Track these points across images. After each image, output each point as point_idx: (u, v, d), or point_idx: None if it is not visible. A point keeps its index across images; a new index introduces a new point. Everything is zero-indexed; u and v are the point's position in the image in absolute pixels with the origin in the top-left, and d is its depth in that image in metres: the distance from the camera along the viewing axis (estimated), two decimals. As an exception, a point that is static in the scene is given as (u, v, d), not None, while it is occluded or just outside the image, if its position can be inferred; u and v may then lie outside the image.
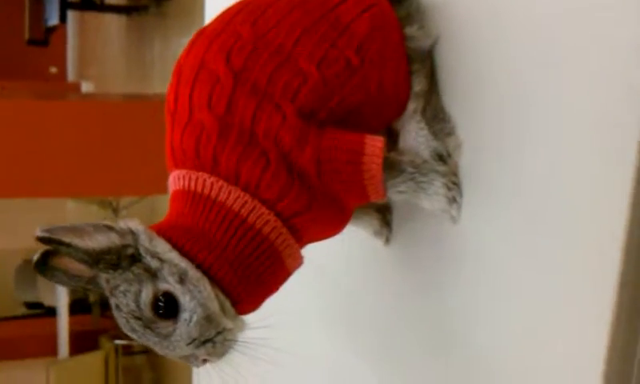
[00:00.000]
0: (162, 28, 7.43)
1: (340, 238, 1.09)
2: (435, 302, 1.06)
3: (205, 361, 0.92)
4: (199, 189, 0.93)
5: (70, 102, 4.99)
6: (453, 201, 1.00)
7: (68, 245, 0.86)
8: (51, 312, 7.27)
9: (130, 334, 0.91)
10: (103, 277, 0.90)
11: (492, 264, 0.95)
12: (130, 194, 6.04)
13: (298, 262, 0.99)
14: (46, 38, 7.90)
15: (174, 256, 0.89)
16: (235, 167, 0.91)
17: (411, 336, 1.13)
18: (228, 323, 0.91)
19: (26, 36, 7.92)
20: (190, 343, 0.89)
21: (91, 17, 9.07)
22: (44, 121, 4.39)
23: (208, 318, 0.88)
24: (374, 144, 0.93)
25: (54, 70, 11.07)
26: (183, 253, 0.90)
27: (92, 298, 6.66)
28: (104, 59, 9.45)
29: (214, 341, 0.90)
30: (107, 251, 0.88)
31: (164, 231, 0.91)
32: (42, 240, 0.86)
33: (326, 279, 1.33)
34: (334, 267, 1.31)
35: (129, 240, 0.89)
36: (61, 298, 6.94)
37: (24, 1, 8.13)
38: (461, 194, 0.99)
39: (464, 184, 0.99)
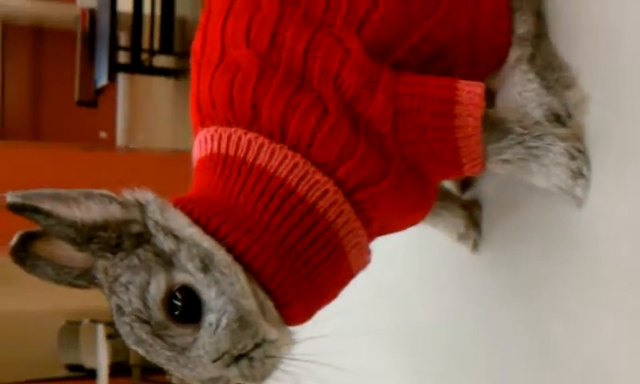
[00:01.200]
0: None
1: (410, 243, 0.85)
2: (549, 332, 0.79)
3: None
4: (232, 150, 0.72)
5: (118, 154, 4.94)
6: (578, 175, 0.74)
7: (47, 213, 0.65)
8: (92, 374, 7.14)
9: (135, 346, 0.68)
10: (100, 266, 0.69)
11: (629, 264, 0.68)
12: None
13: (365, 257, 0.75)
14: (95, 100, 7.98)
15: (194, 233, 0.67)
16: (281, 118, 0.70)
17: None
18: (271, 332, 0.68)
19: (76, 97, 8.03)
20: (217, 359, 0.66)
21: (140, 79, 9.16)
22: (93, 172, 4.31)
23: (242, 322, 0.66)
24: (472, 90, 0.70)
25: (103, 135, 11.21)
26: (208, 232, 0.68)
27: (132, 359, 6.49)
28: (152, 122, 9.51)
29: (250, 356, 0.66)
30: (103, 226, 0.67)
31: (182, 204, 0.69)
32: (12, 207, 0.65)
33: (395, 292, 1.07)
34: (401, 279, 1.05)
35: (135, 214, 0.69)
36: (101, 360, 6.79)
37: (74, 62, 8.25)
38: (589, 165, 0.74)
39: (591, 153, 0.74)
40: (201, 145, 0.76)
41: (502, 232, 0.89)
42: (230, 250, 0.67)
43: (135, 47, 6.73)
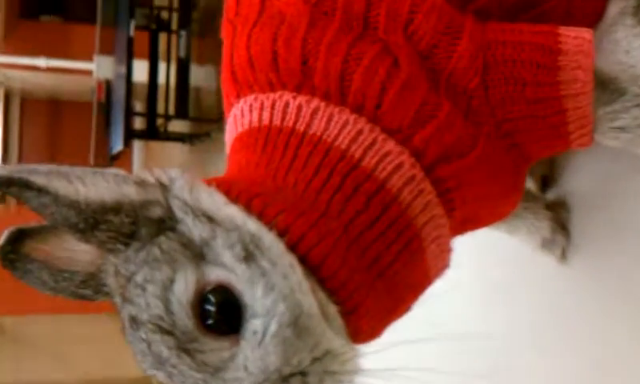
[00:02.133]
0: (223, 153, 7.45)
1: (483, 255, 0.70)
2: None
3: None
4: (277, 120, 0.58)
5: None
6: None
7: (41, 189, 0.51)
8: None
9: (153, 370, 0.54)
10: (110, 266, 0.55)
11: None
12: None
13: (445, 259, 0.61)
14: (110, 165, 8.00)
15: (234, 213, 0.53)
16: (340, 74, 0.56)
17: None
18: (336, 342, 0.53)
19: (91, 162, 8.06)
20: (263, 382, 0.50)
21: (155, 144, 9.18)
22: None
23: (299, 328, 0.50)
24: (579, 36, 0.57)
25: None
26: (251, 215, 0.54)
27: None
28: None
29: (306, 373, 0.51)
30: (114, 208, 0.53)
31: (217, 184, 0.56)
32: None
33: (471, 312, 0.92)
34: (477, 299, 0.90)
35: (156, 195, 0.54)
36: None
37: (90, 131, 8.32)
38: None
39: None
40: (236, 121, 0.62)
41: (595, 238, 0.74)
42: (281, 238, 0.53)
43: (151, 114, 6.76)
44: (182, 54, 5.98)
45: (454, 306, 0.81)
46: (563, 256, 0.76)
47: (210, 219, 0.52)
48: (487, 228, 0.76)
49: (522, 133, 0.59)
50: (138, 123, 7.62)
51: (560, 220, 0.76)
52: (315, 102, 0.57)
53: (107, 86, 8.22)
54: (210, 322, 0.52)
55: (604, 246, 0.73)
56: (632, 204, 0.69)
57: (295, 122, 0.57)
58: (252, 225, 0.53)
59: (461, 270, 0.91)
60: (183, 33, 5.98)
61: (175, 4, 6.54)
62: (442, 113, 0.56)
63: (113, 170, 0.55)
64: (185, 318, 0.52)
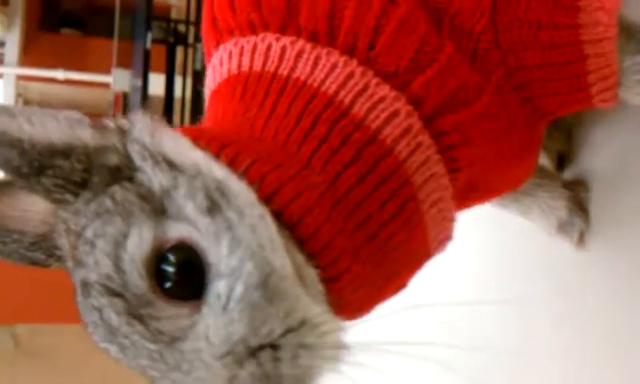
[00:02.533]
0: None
1: (497, 238, 0.63)
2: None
3: None
4: (257, 65, 0.54)
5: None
6: None
7: None
8: None
9: (105, 344, 0.50)
10: (61, 225, 0.50)
11: None
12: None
13: (447, 228, 0.54)
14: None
15: (198, 158, 0.49)
16: (329, 11, 0.51)
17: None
18: (314, 309, 0.46)
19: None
20: (225, 353, 0.44)
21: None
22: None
23: (269, 290, 0.43)
24: None
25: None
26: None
27: None
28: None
29: (277, 346, 0.44)
30: (64, 151, 0.47)
31: (184, 131, 0.53)
32: None
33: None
34: (489, 282, 0.83)
35: (113, 140, 0.50)
36: None
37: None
38: None
39: None
40: (215, 70, 0.58)
41: (616, 221, 0.67)
42: (252, 189, 0.48)
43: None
44: (199, 67, 6.03)
45: (462, 291, 0.74)
46: (581, 240, 0.71)
47: (172, 165, 0.48)
48: (496, 204, 0.70)
49: (536, 84, 0.53)
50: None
51: (578, 200, 0.70)
52: (300, 44, 0.52)
53: (124, 99, 8.28)
54: (167, 285, 0.47)
55: (626, 231, 0.67)
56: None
57: (278, 67, 0.53)
58: (218, 171, 0.48)
59: (469, 251, 0.85)
60: (200, 46, 6.03)
61: (192, 17, 6.60)
62: (444, 56, 0.51)
63: (67, 112, 0.50)
64: (137, 279, 0.47)
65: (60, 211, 0.50)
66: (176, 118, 6.66)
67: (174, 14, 8.37)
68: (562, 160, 0.73)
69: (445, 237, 0.56)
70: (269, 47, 0.54)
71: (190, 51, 6.57)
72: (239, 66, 0.56)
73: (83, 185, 0.48)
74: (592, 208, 0.69)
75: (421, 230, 0.52)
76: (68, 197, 0.49)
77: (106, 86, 9.05)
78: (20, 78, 9.47)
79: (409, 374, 0.55)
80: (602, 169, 0.69)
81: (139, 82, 6.33)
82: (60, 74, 9.27)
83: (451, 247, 0.56)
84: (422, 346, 0.44)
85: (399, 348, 0.44)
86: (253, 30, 0.56)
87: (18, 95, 9.75)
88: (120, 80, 7.99)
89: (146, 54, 6.04)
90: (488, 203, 0.64)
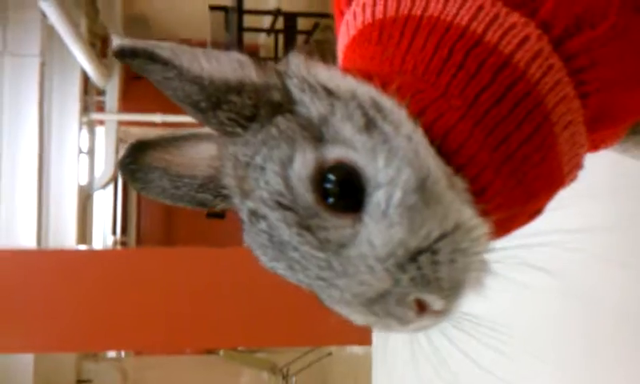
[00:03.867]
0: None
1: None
2: None
3: (421, 308, 0.48)
4: (391, 10, 0.56)
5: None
6: None
7: (166, 62, 0.50)
8: None
9: (273, 263, 0.51)
10: (229, 163, 0.53)
11: None
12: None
13: (578, 155, 0.56)
14: (223, 212, 8.19)
15: (353, 84, 0.51)
16: None
17: None
18: (465, 212, 0.49)
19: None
20: (387, 256, 0.47)
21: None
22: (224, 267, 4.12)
23: (426, 193, 0.47)
24: None
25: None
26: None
27: None
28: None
29: (435, 250, 0.47)
30: (237, 88, 0.51)
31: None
32: (121, 53, 0.51)
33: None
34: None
35: (274, 79, 0.53)
36: None
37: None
38: None
39: None
40: (348, 26, 0.60)
41: None
42: (402, 108, 0.50)
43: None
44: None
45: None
46: None
47: (329, 93, 0.50)
48: (617, 151, 0.69)
49: None
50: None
51: None
52: None
53: (218, 138, 8.51)
54: (330, 200, 0.49)
55: None
56: None
57: (411, 9, 0.55)
58: (372, 91, 0.50)
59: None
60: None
61: (280, 54, 6.66)
62: None
63: (235, 54, 0.54)
64: (305, 193, 0.49)
65: (229, 147, 0.54)
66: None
67: (262, 53, 8.53)
68: None
69: (576, 163, 0.56)
70: None
71: None
72: (373, 14, 0.57)
73: (251, 118, 0.52)
74: None
75: (555, 153, 0.53)
76: (239, 130, 0.52)
77: (201, 125, 9.35)
78: (120, 123, 9.88)
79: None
80: None
81: None
82: (157, 118, 9.61)
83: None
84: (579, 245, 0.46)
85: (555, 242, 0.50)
86: None
87: (119, 140, 10.17)
88: (213, 119, 8.25)
89: None
90: (609, 147, 0.62)
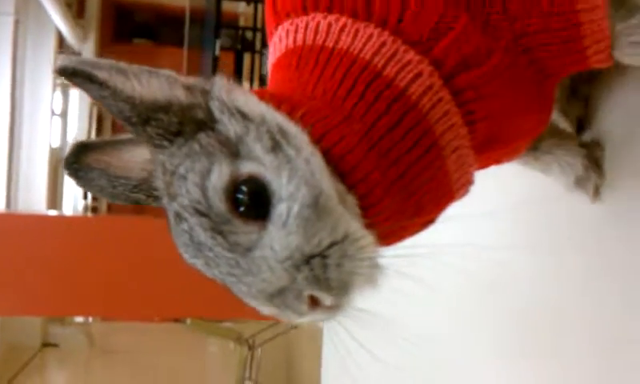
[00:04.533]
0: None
1: (522, 196, 0.72)
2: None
3: (314, 303, 0.56)
4: (309, 39, 0.64)
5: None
6: None
7: (102, 83, 0.56)
8: None
9: (193, 259, 0.59)
10: (159, 169, 0.60)
11: None
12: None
13: (467, 173, 0.64)
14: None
15: (264, 109, 0.59)
16: None
17: None
18: (353, 225, 0.57)
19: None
20: (285, 258, 0.55)
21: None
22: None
23: (318, 209, 0.55)
24: None
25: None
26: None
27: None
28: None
29: (325, 255, 0.55)
30: (164, 107, 0.58)
31: (252, 91, 0.61)
32: (63, 72, 0.57)
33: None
34: (511, 235, 0.91)
35: (199, 98, 0.60)
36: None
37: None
38: None
39: None
40: (275, 47, 0.68)
41: (628, 176, 0.76)
42: (305, 133, 0.58)
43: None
44: (265, 72, 6.12)
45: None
46: (596, 194, 0.77)
47: (244, 116, 0.58)
48: (520, 162, 0.78)
49: (539, 47, 0.62)
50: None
51: (594, 158, 0.78)
52: (343, 20, 0.62)
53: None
54: (241, 208, 0.57)
55: (637, 184, 0.75)
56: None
57: (325, 40, 0.62)
58: (279, 118, 0.58)
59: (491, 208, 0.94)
60: (266, 52, 6.10)
61: (259, 24, 6.66)
62: (460, 25, 0.60)
63: (166, 72, 0.60)
64: (219, 203, 0.57)
65: (158, 156, 0.60)
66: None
67: (241, 22, 8.49)
68: (581, 124, 0.81)
69: (466, 180, 0.64)
70: (318, 24, 0.63)
71: (257, 57, 6.64)
72: (294, 41, 0.65)
73: (177, 133, 0.59)
74: (606, 165, 0.77)
75: (443, 172, 0.61)
76: (165, 143, 0.59)
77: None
78: (95, 86, 9.84)
79: (436, 279, 0.64)
80: (614, 130, 0.76)
81: None
82: (133, 83, 9.60)
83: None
84: (450, 253, 0.54)
85: (429, 254, 0.55)
86: (305, 11, 0.65)
87: (93, 104, 10.11)
88: (190, 87, 8.21)
89: (215, 61, 6.13)
90: (511, 161, 0.73)
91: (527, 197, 0.88)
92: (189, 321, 5.88)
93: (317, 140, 0.57)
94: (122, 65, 0.58)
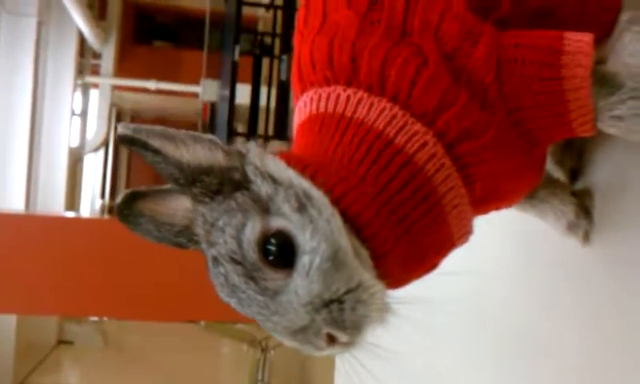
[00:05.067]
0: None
1: (513, 236, 0.80)
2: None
3: (331, 340, 0.64)
4: (330, 108, 0.71)
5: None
6: None
7: (156, 151, 0.65)
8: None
9: (228, 298, 0.67)
10: (199, 215, 0.68)
11: None
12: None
13: (467, 226, 0.72)
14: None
15: (291, 175, 0.67)
16: (380, 70, 0.70)
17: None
18: (366, 275, 0.65)
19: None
20: (307, 303, 0.63)
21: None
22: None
23: (337, 262, 0.63)
24: (580, 39, 0.68)
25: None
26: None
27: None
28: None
29: (341, 300, 0.63)
30: (208, 170, 0.67)
31: (280, 156, 0.70)
32: (122, 140, 0.65)
33: (493, 300, 1.01)
34: (505, 280, 0.99)
35: (236, 162, 0.68)
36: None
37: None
38: None
39: None
40: (300, 110, 0.75)
41: (616, 223, 0.83)
42: (326, 195, 0.65)
43: (251, 134, 6.89)
44: (283, 77, 6.12)
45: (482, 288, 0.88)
46: (586, 238, 0.84)
47: (274, 180, 0.66)
48: (518, 209, 0.86)
49: (530, 120, 0.69)
50: (239, 143, 7.83)
51: (584, 206, 0.85)
52: (360, 93, 0.70)
53: (212, 108, 8.51)
54: (271, 258, 0.64)
55: (623, 231, 0.82)
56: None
57: (344, 109, 0.70)
58: (304, 183, 0.65)
59: (490, 252, 1.02)
60: (285, 57, 6.10)
61: (278, 30, 6.69)
62: (460, 101, 0.67)
63: (208, 137, 0.68)
64: (251, 253, 0.64)
65: (200, 208, 0.67)
66: (261, 125, 6.82)
67: (260, 27, 8.54)
68: (575, 174, 0.87)
69: (465, 231, 0.71)
70: (338, 96, 0.70)
71: (276, 62, 6.65)
72: (317, 108, 0.72)
73: (217, 192, 0.66)
74: (596, 212, 0.83)
75: (445, 226, 0.68)
76: (207, 199, 0.67)
77: (194, 95, 9.37)
78: (115, 88, 9.93)
79: (437, 325, 0.71)
80: (604, 181, 0.83)
81: (227, 92, 6.46)
82: (152, 85, 9.64)
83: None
84: (448, 303, 0.62)
85: (428, 303, 0.63)
86: (327, 83, 0.72)
87: (113, 104, 10.21)
88: (208, 90, 8.24)
89: (234, 66, 6.16)
90: (505, 210, 0.80)
91: (523, 238, 0.95)
92: (203, 322, 5.94)
93: (336, 200, 0.65)
94: (172, 131, 0.66)
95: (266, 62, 6.93)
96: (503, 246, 0.97)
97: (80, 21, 7.57)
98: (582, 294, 0.87)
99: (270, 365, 5.92)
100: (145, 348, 7.55)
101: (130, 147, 0.65)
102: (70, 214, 6.98)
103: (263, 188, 0.66)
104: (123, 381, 6.78)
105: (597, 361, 0.84)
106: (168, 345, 7.25)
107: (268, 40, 7.07)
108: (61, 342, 7.53)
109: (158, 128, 0.66)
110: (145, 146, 0.64)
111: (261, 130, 6.80)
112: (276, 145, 7.03)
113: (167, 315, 4.47)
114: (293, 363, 6.36)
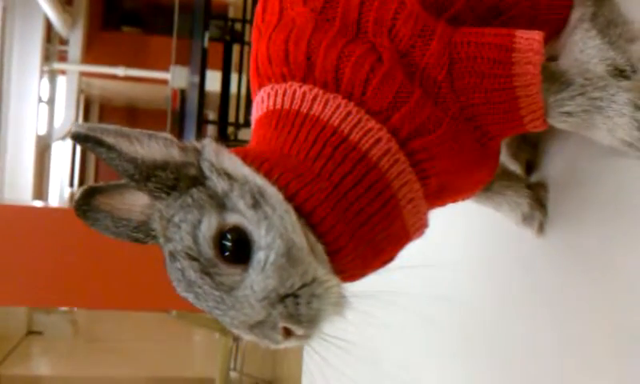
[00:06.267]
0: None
1: (471, 229, 0.81)
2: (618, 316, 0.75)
3: (287, 333, 0.65)
4: (287, 104, 0.72)
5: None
6: None
7: (110, 147, 0.65)
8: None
9: (185, 293, 0.67)
10: (156, 214, 0.69)
11: None
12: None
13: (422, 219, 0.73)
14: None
15: (246, 171, 0.67)
16: (335, 67, 0.70)
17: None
18: (320, 270, 0.65)
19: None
20: (264, 298, 0.64)
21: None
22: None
23: (291, 258, 0.64)
24: (530, 37, 0.69)
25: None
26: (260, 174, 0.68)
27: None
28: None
29: (297, 295, 0.64)
30: (163, 166, 0.67)
31: (236, 152, 0.70)
32: (76, 138, 0.65)
33: (452, 292, 1.03)
34: (464, 272, 1.01)
35: (191, 158, 0.68)
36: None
37: (164, 137, 8.58)
38: None
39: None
40: (258, 105, 0.76)
41: (569, 214, 0.85)
42: (281, 192, 0.66)
43: (222, 122, 6.85)
44: None
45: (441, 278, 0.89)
46: (540, 229, 0.86)
47: (229, 176, 0.66)
48: (474, 201, 0.88)
49: (481, 116, 0.70)
50: (210, 130, 7.79)
51: (538, 198, 0.86)
52: (315, 90, 0.70)
53: (181, 95, 8.45)
54: (226, 253, 0.65)
55: (576, 221, 0.84)
56: (605, 184, 0.78)
57: (300, 106, 0.71)
58: (259, 180, 0.66)
59: (450, 244, 1.04)
60: None
61: (249, 16, 6.63)
62: (414, 98, 0.68)
63: (163, 135, 0.68)
64: (207, 249, 0.65)
65: (157, 204, 0.68)
66: (231, 112, 6.78)
67: (231, 13, 8.47)
68: (530, 167, 0.89)
69: (420, 225, 0.72)
70: (294, 92, 0.71)
71: (246, 49, 6.59)
72: (274, 104, 0.73)
73: (173, 188, 0.67)
74: (549, 204, 0.85)
75: (400, 220, 0.69)
76: (163, 195, 0.67)
77: (164, 82, 9.28)
78: (82, 74, 9.81)
79: (394, 319, 0.72)
80: (557, 174, 0.85)
81: (196, 79, 6.41)
82: (120, 71, 9.54)
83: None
84: (406, 297, 0.63)
85: (387, 298, 0.63)
86: (284, 79, 0.73)
87: (81, 91, 10.10)
88: (178, 77, 8.17)
89: (204, 52, 6.11)
90: (461, 202, 0.82)
91: (480, 230, 0.97)
92: (174, 311, 5.93)
93: (291, 196, 0.66)
94: (126, 130, 0.67)
95: (236, 48, 6.88)
96: (461, 237, 0.98)
97: (46, 6, 7.46)
98: (537, 284, 0.88)
99: (242, 353, 5.93)
100: (115, 337, 7.50)
101: (84, 144, 0.66)
102: (39, 204, 6.91)
103: (219, 184, 0.66)
104: (93, 370, 6.74)
105: (549, 350, 0.86)
106: (139, 334, 7.21)
107: (239, 26, 7.00)
108: (30, 332, 7.45)
109: (112, 126, 0.66)
110: (99, 143, 0.65)
111: (231, 117, 6.76)
112: (246, 133, 7.00)
113: (138, 304, 4.46)
114: (264, 351, 6.39)
